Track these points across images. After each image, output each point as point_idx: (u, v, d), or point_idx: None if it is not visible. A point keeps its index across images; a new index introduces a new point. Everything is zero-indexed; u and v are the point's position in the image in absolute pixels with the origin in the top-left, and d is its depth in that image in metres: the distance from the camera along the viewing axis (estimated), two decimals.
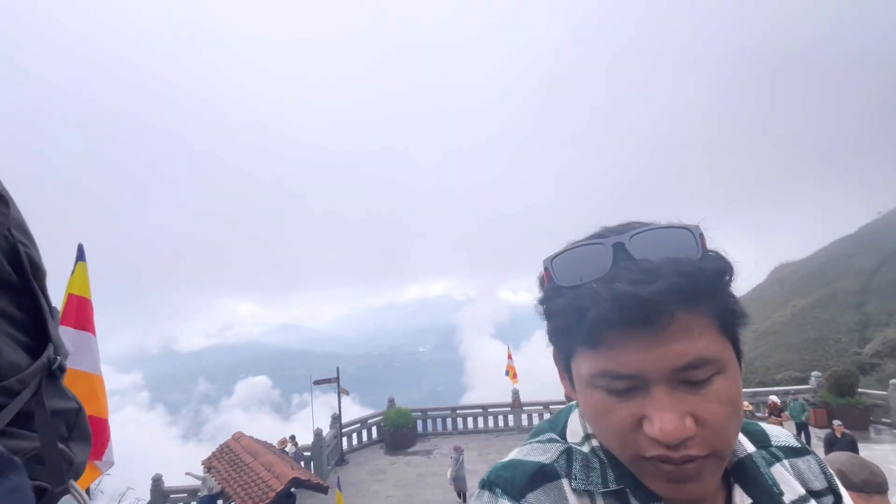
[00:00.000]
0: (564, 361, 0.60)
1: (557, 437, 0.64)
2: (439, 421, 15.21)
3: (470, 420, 15.05)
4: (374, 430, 14.64)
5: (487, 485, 0.60)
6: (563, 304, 0.54)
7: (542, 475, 0.58)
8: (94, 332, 2.57)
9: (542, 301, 0.60)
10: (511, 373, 14.60)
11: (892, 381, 11.81)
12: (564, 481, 0.57)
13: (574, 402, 0.67)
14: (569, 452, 0.60)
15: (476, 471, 11.86)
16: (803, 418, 10.63)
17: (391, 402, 14.94)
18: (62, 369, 0.49)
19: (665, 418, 0.48)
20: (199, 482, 9.60)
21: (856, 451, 8.58)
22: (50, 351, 0.47)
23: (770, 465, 0.61)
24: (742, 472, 0.59)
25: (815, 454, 0.68)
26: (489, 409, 15.00)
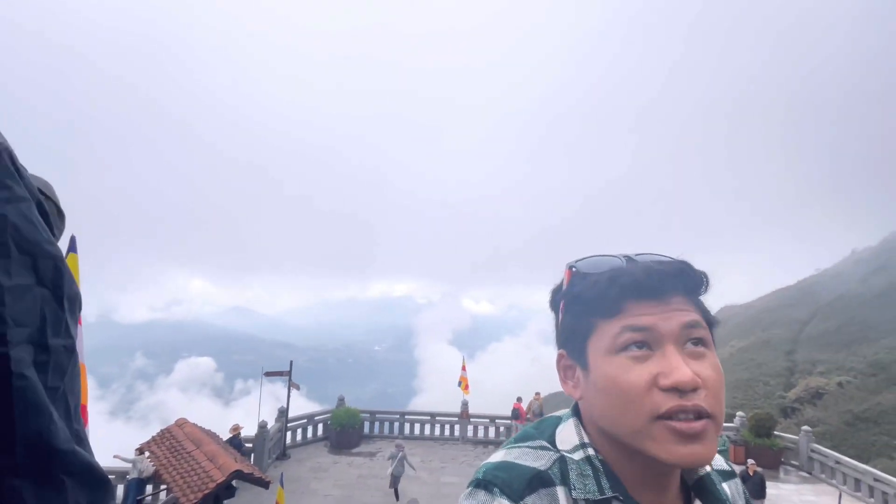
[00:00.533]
0: (580, 345, 0.65)
1: (548, 445, 0.65)
2: (387, 424, 15.31)
3: (417, 426, 15.23)
4: (319, 426, 14.56)
5: (483, 484, 0.60)
6: (592, 280, 0.64)
7: (538, 480, 0.60)
8: (80, 322, 2.64)
9: (564, 292, 0.69)
10: (463, 384, 14.93)
11: (804, 427, 12.98)
12: (559, 489, 0.59)
13: (559, 413, 0.72)
14: (561, 461, 0.62)
15: (418, 477, 12.09)
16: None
17: (341, 400, 14.91)
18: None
19: (681, 369, 0.57)
20: (128, 465, 9.30)
21: (764, 487, 9.44)
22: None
23: (719, 483, 0.68)
24: (701, 488, 0.66)
25: (738, 476, 0.76)
26: (437, 418, 15.25)
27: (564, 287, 0.69)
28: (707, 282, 0.65)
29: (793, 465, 12.67)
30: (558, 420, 0.70)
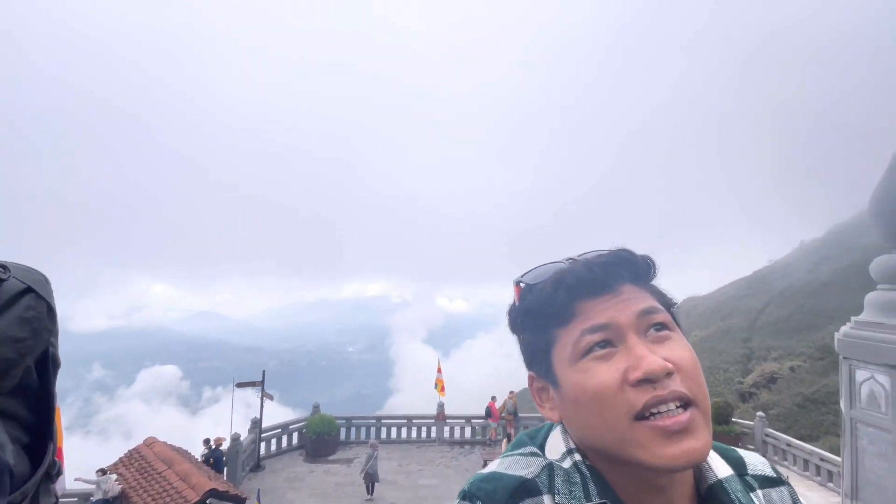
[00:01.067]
0: (545, 361, 0.63)
1: (539, 452, 0.64)
2: (363, 429, 15.29)
3: (394, 430, 15.28)
4: (294, 435, 14.38)
5: (468, 497, 0.59)
6: (539, 289, 0.63)
7: (523, 490, 0.58)
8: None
9: (518, 309, 0.67)
10: (439, 386, 15.08)
11: (758, 413, 13.83)
12: (546, 497, 0.57)
13: (551, 422, 0.69)
14: (550, 468, 0.61)
15: (395, 481, 12.17)
16: None
17: (316, 408, 14.77)
18: (59, 472, 0.52)
19: (647, 357, 0.54)
20: (91, 486, 8.95)
21: None
22: (50, 454, 0.49)
23: (745, 493, 0.62)
24: (712, 498, 0.60)
25: (789, 485, 0.69)
26: (413, 420, 15.34)
27: (517, 304, 0.67)
28: (653, 265, 0.64)
29: (749, 450, 13.44)
30: (551, 426, 0.68)
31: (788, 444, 12.13)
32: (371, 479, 11.26)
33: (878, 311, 2.93)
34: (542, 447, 0.65)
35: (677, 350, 0.57)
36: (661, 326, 0.59)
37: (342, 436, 14.90)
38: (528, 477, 0.60)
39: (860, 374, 2.91)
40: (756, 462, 0.70)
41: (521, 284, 0.66)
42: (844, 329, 3.19)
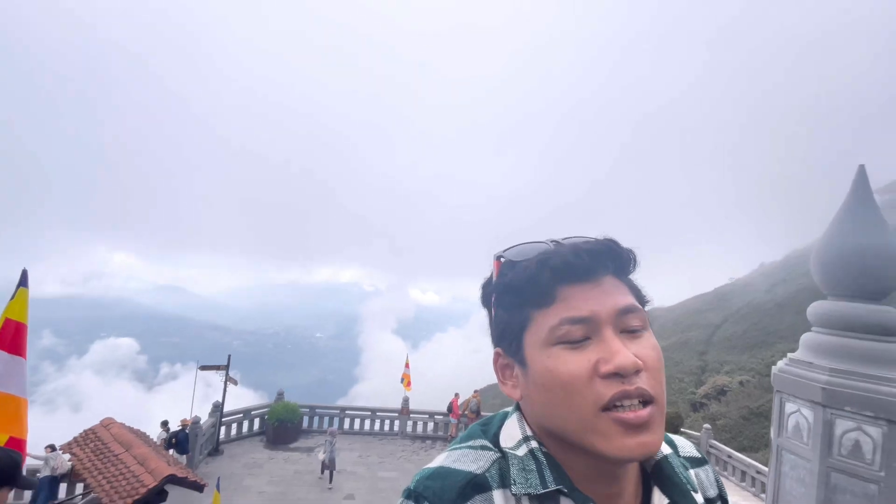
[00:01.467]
0: (516, 340, 0.61)
1: (490, 445, 0.63)
2: (326, 419, 15.31)
3: (357, 421, 15.38)
4: (256, 421, 14.29)
5: (414, 496, 0.57)
6: (522, 267, 0.61)
7: (472, 486, 0.57)
8: (25, 357, 2.59)
9: (495, 284, 0.65)
10: (406, 381, 15.24)
11: (705, 425, 14.63)
12: (496, 492, 0.57)
13: (506, 410, 0.68)
14: (501, 460, 0.60)
15: (354, 472, 12.30)
16: None
17: (280, 395, 14.69)
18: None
19: (620, 352, 0.55)
20: (39, 462, 8.69)
21: None
22: None
23: (682, 469, 0.66)
24: (659, 473, 0.63)
25: (709, 463, 0.74)
26: (377, 413, 15.47)
27: (494, 279, 0.66)
28: (635, 260, 0.64)
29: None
30: (505, 415, 0.67)
31: (729, 456, 12.91)
32: (328, 468, 11.43)
33: (809, 351, 3.25)
34: (495, 437, 0.64)
35: (647, 349, 0.58)
36: (637, 328, 0.60)
37: (305, 424, 14.89)
38: (478, 472, 0.58)
39: (789, 407, 3.23)
40: (684, 444, 0.74)
41: (502, 259, 0.65)
42: (780, 364, 3.49)
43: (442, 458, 0.62)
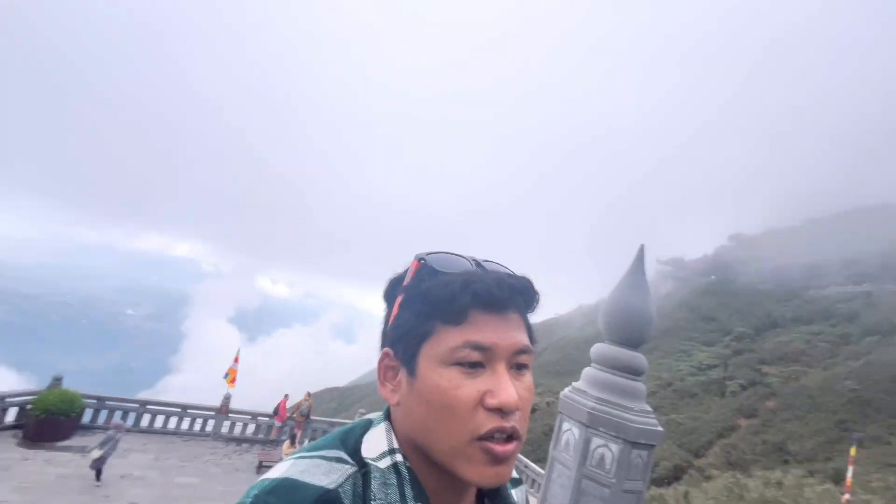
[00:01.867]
0: (413, 348, 0.60)
1: (346, 457, 0.59)
2: (118, 413, 12.91)
3: (161, 419, 13.33)
4: (12, 411, 11.27)
5: None
6: (444, 281, 0.61)
7: None
8: None
9: (408, 286, 0.64)
10: (230, 377, 13.86)
11: None
12: None
13: (369, 418, 0.67)
14: (357, 476, 0.57)
15: (144, 476, 10.59)
16: None
17: (56, 381, 11.89)
18: None
19: (507, 391, 0.57)
20: None
21: None
22: None
23: (508, 488, 0.71)
24: (494, 492, 0.69)
25: (524, 484, 0.79)
26: (188, 410, 13.67)
27: (409, 280, 0.64)
28: (538, 302, 0.67)
29: None
30: (369, 424, 0.65)
31: (526, 466, 14.89)
32: (98, 465, 9.67)
33: (585, 382, 4.07)
34: (355, 448, 0.61)
35: (526, 390, 0.61)
36: (525, 366, 0.62)
37: (87, 418, 12.29)
38: (330, 487, 0.54)
39: (565, 426, 3.97)
40: None
41: (423, 262, 0.64)
42: (565, 391, 4.27)
43: (286, 468, 0.56)
